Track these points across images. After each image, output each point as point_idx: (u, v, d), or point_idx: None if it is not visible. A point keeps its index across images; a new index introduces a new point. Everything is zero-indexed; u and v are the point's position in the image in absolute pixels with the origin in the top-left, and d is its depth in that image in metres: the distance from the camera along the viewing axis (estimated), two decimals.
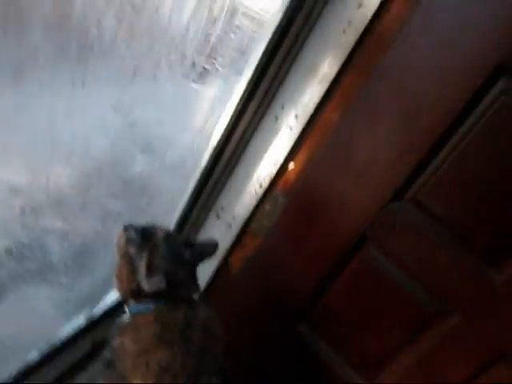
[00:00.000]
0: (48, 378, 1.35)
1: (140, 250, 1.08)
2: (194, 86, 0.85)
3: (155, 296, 1.06)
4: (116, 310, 1.55)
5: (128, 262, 1.09)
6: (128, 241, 1.10)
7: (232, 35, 0.95)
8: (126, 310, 1.12)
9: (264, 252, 1.56)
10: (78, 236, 1.18)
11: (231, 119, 1.42)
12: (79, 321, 1.42)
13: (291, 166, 1.45)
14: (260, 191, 1.51)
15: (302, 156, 1.42)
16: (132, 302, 1.12)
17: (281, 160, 1.45)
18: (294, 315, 1.51)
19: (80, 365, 1.48)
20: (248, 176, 1.51)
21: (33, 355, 1.29)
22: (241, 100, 1.40)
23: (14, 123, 0.56)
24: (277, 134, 1.43)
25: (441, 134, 1.14)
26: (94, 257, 1.29)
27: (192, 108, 0.90)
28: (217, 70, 1.06)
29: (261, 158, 1.47)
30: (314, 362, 1.48)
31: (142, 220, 1.22)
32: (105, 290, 1.51)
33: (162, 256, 1.07)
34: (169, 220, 1.51)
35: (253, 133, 1.46)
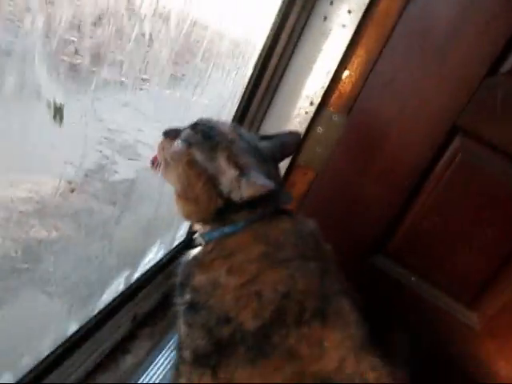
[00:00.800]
0: (87, 360, 1.06)
1: (211, 151, 0.80)
2: (168, 92, 0.79)
3: (247, 209, 0.79)
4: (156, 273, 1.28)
5: (199, 173, 0.79)
6: (189, 144, 0.81)
7: None
8: (202, 238, 0.85)
9: (319, 186, 1.34)
10: (69, 242, 0.94)
11: (272, 29, 1.21)
12: (119, 286, 1.14)
13: (346, 73, 1.25)
14: (310, 111, 1.29)
15: (359, 58, 1.23)
16: (208, 228, 0.85)
17: (334, 67, 1.24)
18: (368, 249, 1.29)
19: (122, 346, 1.19)
20: (295, 94, 1.29)
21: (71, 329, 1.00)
22: (283, 5, 1.19)
23: None
24: (327, 36, 1.23)
25: None
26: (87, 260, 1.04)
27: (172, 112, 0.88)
28: None
29: (309, 69, 1.27)
30: (400, 294, 1.26)
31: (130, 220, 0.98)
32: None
33: (246, 152, 0.81)
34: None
35: (298, 41, 1.25)
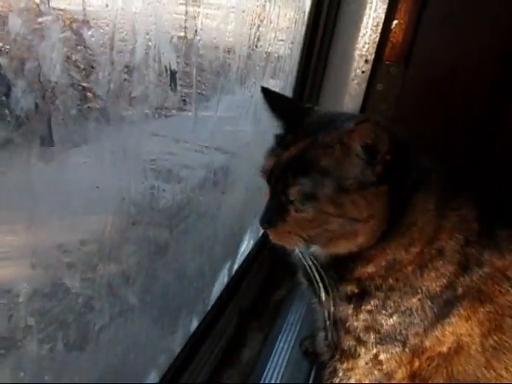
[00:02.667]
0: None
1: (313, 182, 0.62)
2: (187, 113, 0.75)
3: None
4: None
5: (328, 212, 0.62)
6: (314, 193, 0.62)
7: None
8: None
9: None
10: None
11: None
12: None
13: (395, 22, 1.24)
14: (367, 69, 1.28)
15: (405, 4, 1.21)
16: None
17: (381, 20, 1.23)
18: None
19: (236, 341, 1.17)
20: (348, 56, 1.28)
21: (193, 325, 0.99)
22: None
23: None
24: None
25: None
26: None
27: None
28: None
29: (357, 29, 1.25)
30: None
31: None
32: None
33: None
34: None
35: (340, 3, 1.25)
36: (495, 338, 0.68)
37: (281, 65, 1.14)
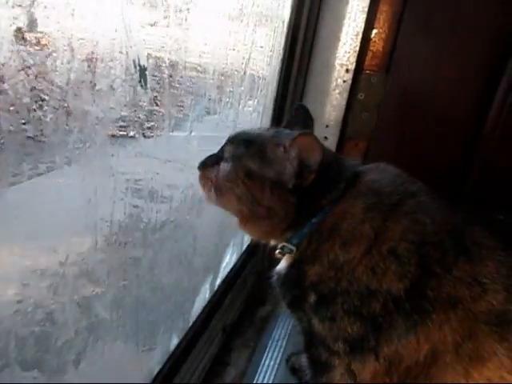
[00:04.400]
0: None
1: (261, 154, 0.72)
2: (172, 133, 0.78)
3: (324, 193, 0.71)
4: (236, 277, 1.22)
5: (261, 182, 0.71)
6: (238, 158, 0.73)
7: None
8: (289, 245, 0.74)
9: (373, 155, 1.31)
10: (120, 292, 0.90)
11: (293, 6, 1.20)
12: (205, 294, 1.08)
13: (374, 32, 1.24)
14: (348, 78, 1.27)
15: (384, 13, 1.22)
16: (288, 234, 0.74)
17: (360, 29, 1.23)
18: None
19: (219, 360, 1.12)
20: (328, 66, 1.27)
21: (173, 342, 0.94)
22: None
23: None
24: (347, 0, 1.22)
25: None
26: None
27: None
28: None
29: (337, 38, 1.25)
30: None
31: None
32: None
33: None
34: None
35: (319, 13, 1.25)
36: (470, 345, 0.64)
37: (260, 75, 1.13)
